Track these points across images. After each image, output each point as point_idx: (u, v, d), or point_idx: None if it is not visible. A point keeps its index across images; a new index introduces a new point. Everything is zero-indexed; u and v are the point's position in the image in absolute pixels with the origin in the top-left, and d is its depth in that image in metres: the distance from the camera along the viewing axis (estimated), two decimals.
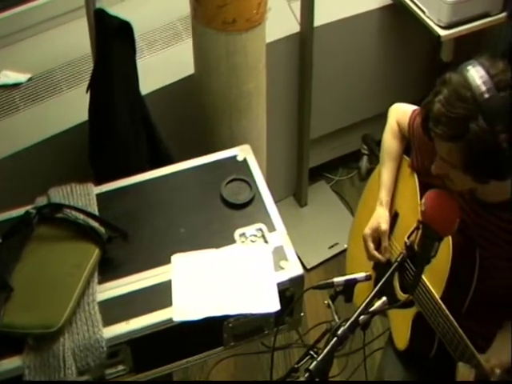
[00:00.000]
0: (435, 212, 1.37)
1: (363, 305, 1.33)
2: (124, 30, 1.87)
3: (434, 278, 1.51)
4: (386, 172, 1.70)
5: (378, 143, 2.76)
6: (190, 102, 2.09)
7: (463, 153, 1.30)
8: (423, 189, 1.57)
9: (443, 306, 1.47)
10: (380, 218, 1.66)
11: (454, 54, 2.44)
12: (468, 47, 2.54)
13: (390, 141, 1.71)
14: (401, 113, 1.69)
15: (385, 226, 1.64)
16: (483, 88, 1.27)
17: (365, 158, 2.82)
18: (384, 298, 1.39)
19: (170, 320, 1.46)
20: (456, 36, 2.32)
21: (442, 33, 2.30)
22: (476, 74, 1.29)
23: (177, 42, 2.28)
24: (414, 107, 1.66)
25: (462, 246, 1.49)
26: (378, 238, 1.67)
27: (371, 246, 1.65)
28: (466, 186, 1.42)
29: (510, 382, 1.41)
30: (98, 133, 1.94)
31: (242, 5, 1.89)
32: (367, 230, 1.65)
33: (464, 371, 1.44)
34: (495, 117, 1.26)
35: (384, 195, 1.68)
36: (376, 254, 1.65)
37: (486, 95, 1.27)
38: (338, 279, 1.41)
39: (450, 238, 1.47)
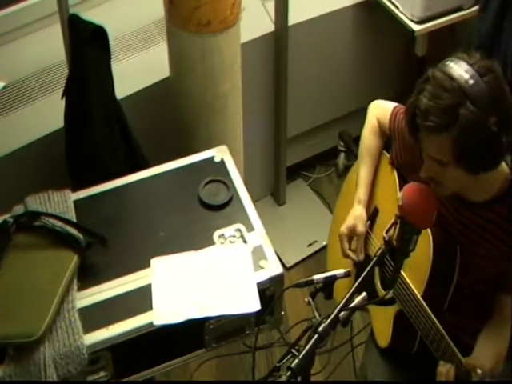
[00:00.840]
0: (412, 206, 1.38)
1: (343, 301, 1.34)
2: (98, 35, 1.87)
3: (415, 276, 1.52)
4: (364, 169, 1.71)
5: (355, 140, 2.79)
6: (166, 104, 2.09)
7: (455, 143, 1.31)
8: (403, 185, 1.57)
9: (425, 304, 1.48)
10: (357, 218, 1.66)
11: (428, 48, 2.47)
12: (442, 41, 2.56)
13: (369, 138, 1.72)
14: (381, 110, 1.70)
15: (361, 227, 1.65)
16: (466, 75, 1.30)
17: (342, 155, 2.83)
18: (364, 294, 1.40)
19: (151, 324, 1.46)
20: (429, 30, 2.34)
21: (416, 28, 2.32)
22: (457, 66, 1.32)
23: (152, 45, 2.27)
24: (394, 104, 1.67)
25: (443, 243, 1.50)
26: (353, 237, 1.67)
27: (346, 245, 1.66)
28: (456, 184, 1.42)
29: (490, 382, 1.42)
30: (74, 139, 1.93)
31: (216, 6, 1.89)
32: (344, 230, 1.65)
33: (443, 370, 1.44)
34: (482, 101, 1.29)
35: (362, 193, 1.69)
36: (350, 253, 1.66)
37: (471, 81, 1.30)
38: (317, 276, 1.42)
39: (430, 235, 1.48)
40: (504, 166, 1.43)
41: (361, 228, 1.65)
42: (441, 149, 1.34)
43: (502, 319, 1.53)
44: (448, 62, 1.34)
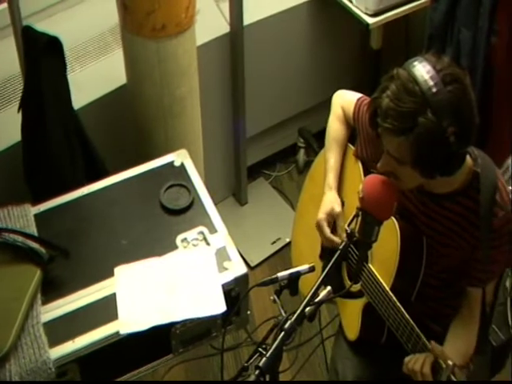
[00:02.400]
0: (373, 198, 1.39)
1: (308, 296, 1.34)
2: (53, 46, 1.85)
3: (383, 269, 1.54)
4: (332, 157, 1.70)
5: (315, 135, 2.82)
6: (125, 112, 2.08)
7: (412, 147, 1.31)
8: None
9: (394, 297, 1.49)
10: (332, 201, 1.65)
11: (383, 40, 2.49)
12: (396, 33, 2.59)
13: (335, 126, 1.71)
14: (345, 100, 1.69)
15: (338, 208, 1.65)
16: (430, 82, 1.29)
17: (302, 151, 2.84)
18: (329, 288, 1.40)
19: (117, 333, 1.45)
20: (384, 23, 2.36)
21: (370, 21, 2.34)
22: (423, 69, 1.31)
23: (107, 53, 2.26)
24: (358, 95, 1.67)
25: (410, 235, 1.51)
26: (332, 221, 1.66)
27: (327, 230, 1.64)
28: (413, 182, 1.43)
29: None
30: (31, 152, 1.91)
31: (170, 10, 1.88)
32: (321, 215, 1.64)
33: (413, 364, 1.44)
34: (443, 110, 1.28)
35: (332, 180, 1.68)
36: (333, 237, 1.63)
37: (434, 89, 1.29)
38: (281, 274, 1.42)
39: (398, 228, 1.49)
40: (467, 157, 1.44)
41: (338, 209, 1.64)
42: (399, 149, 1.35)
43: (471, 315, 1.54)
44: (415, 63, 1.32)
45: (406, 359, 1.45)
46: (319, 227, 1.65)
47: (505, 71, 2.33)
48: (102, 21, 2.32)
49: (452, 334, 1.53)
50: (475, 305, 1.54)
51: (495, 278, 1.56)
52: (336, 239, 1.64)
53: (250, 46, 2.36)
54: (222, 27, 2.34)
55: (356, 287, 1.59)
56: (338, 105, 1.71)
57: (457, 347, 1.48)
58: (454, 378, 1.38)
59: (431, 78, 1.29)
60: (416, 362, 1.42)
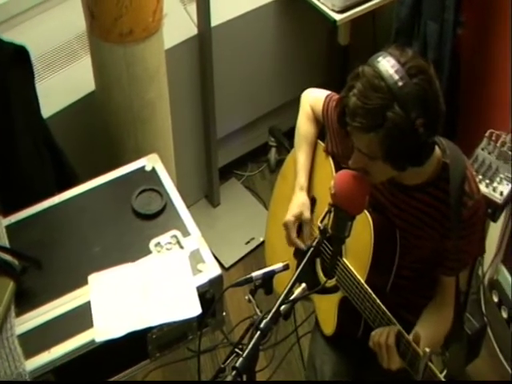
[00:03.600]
0: (344, 193, 1.40)
1: (283, 294, 1.34)
2: (20, 55, 1.84)
3: (357, 262, 1.54)
4: (302, 156, 1.70)
5: (285, 134, 2.82)
6: (94, 119, 2.07)
7: (382, 142, 1.32)
8: None
9: (369, 289, 1.50)
10: (302, 205, 1.66)
11: (350, 36, 2.50)
12: (364, 29, 2.61)
13: (305, 125, 1.71)
14: (314, 98, 1.70)
15: (307, 213, 1.65)
16: (396, 76, 1.29)
17: (273, 150, 2.85)
18: (303, 285, 1.41)
19: (93, 341, 1.45)
20: (351, 19, 2.37)
21: (338, 17, 2.34)
22: (387, 64, 1.31)
23: (75, 60, 2.24)
24: (327, 92, 1.67)
25: (383, 227, 1.52)
26: (299, 224, 1.67)
27: (294, 234, 1.65)
28: (384, 176, 1.44)
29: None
30: (1, 163, 1.89)
31: (137, 15, 1.88)
32: (290, 217, 1.64)
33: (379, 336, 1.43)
34: (410, 103, 1.29)
35: (303, 179, 1.68)
36: (298, 241, 1.65)
37: (400, 83, 1.29)
38: (256, 273, 1.42)
39: (371, 222, 1.50)
40: (436, 149, 1.45)
41: (307, 214, 1.65)
42: (369, 146, 1.36)
43: (443, 303, 1.56)
44: (380, 58, 1.33)
45: (372, 333, 1.46)
46: (286, 229, 1.66)
47: (471, 62, 2.37)
48: (69, 28, 2.30)
49: (424, 320, 1.54)
50: (448, 293, 1.56)
51: (467, 267, 1.58)
52: (300, 245, 1.65)
53: (218, 47, 2.36)
54: (190, 30, 2.33)
55: (331, 282, 1.59)
56: (306, 103, 1.72)
57: (428, 333, 1.49)
58: (431, 365, 1.39)
59: (396, 71, 1.30)
60: (381, 335, 1.43)
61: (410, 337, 1.44)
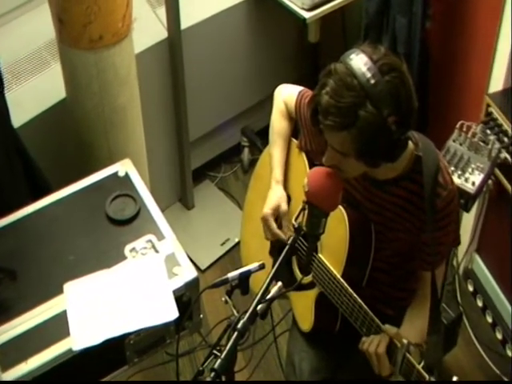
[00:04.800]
0: (318, 190, 1.40)
1: (259, 294, 1.34)
2: None
3: (333, 258, 1.55)
4: (277, 151, 1.70)
5: (258, 133, 2.83)
6: (66, 126, 2.06)
7: (355, 140, 1.32)
8: None
9: (345, 284, 1.51)
10: (279, 197, 1.65)
11: (320, 33, 2.51)
12: (333, 26, 2.62)
13: (279, 121, 1.71)
14: (287, 94, 1.69)
15: (285, 206, 1.65)
16: (368, 74, 1.29)
17: (246, 150, 2.84)
18: (279, 283, 1.41)
19: (70, 350, 1.44)
20: (320, 16, 2.38)
21: (307, 15, 2.35)
22: (360, 61, 1.31)
23: (44, 68, 2.23)
24: (300, 88, 1.67)
25: (357, 222, 1.53)
26: (277, 216, 1.65)
27: (274, 225, 1.64)
28: (358, 172, 1.45)
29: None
30: None
31: (107, 20, 1.87)
32: (268, 210, 1.64)
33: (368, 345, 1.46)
34: (382, 101, 1.29)
35: (278, 174, 1.68)
36: (279, 232, 1.64)
37: (372, 81, 1.29)
38: (232, 274, 1.42)
39: (346, 217, 1.51)
40: (409, 142, 1.45)
41: (284, 207, 1.64)
42: (342, 144, 1.36)
43: (424, 296, 1.55)
44: (352, 56, 1.33)
45: (363, 339, 1.47)
46: (265, 222, 1.64)
47: (440, 54, 2.39)
48: (37, 37, 2.29)
49: (409, 315, 1.55)
50: (428, 286, 1.55)
51: (444, 259, 1.59)
52: (282, 235, 1.64)
53: (188, 49, 2.36)
54: (160, 33, 2.33)
55: (307, 279, 1.60)
56: (280, 99, 1.71)
57: (414, 326, 1.51)
58: (409, 357, 1.41)
59: (369, 69, 1.30)
60: (371, 344, 1.44)
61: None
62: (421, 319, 1.52)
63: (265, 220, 1.64)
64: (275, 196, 1.66)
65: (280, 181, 1.67)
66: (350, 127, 1.31)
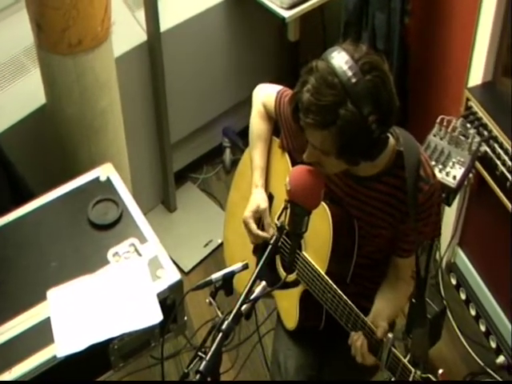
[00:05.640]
0: (299, 189, 1.40)
1: (243, 294, 1.34)
2: None
3: (317, 255, 1.55)
4: (257, 154, 1.70)
5: (239, 133, 2.83)
6: (47, 132, 2.05)
7: (336, 139, 1.33)
8: None
9: (330, 281, 1.51)
10: (258, 199, 1.66)
11: (300, 32, 2.51)
12: (313, 24, 2.62)
13: (258, 123, 1.71)
14: (266, 95, 1.69)
15: (264, 204, 1.65)
16: (349, 73, 1.29)
17: (227, 151, 2.84)
18: (263, 283, 1.41)
19: (54, 357, 1.44)
20: (300, 15, 2.38)
21: (286, 14, 2.36)
22: (341, 60, 1.31)
23: (24, 74, 2.21)
24: (278, 88, 1.66)
25: (341, 219, 1.53)
26: (258, 218, 1.66)
27: (254, 226, 1.64)
28: (338, 169, 1.46)
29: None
30: None
31: (85, 24, 1.86)
32: (247, 213, 1.64)
33: (355, 337, 1.47)
34: (363, 100, 1.29)
35: (258, 177, 1.68)
36: (260, 232, 1.64)
37: (353, 80, 1.29)
38: (215, 275, 1.42)
39: (329, 214, 1.51)
40: (390, 138, 1.46)
41: (263, 205, 1.65)
42: (322, 142, 1.36)
43: (398, 282, 1.58)
44: (334, 54, 1.33)
45: (352, 333, 1.48)
46: (246, 225, 1.65)
47: (418, 49, 2.40)
48: (15, 43, 2.27)
49: (380, 296, 1.57)
50: (401, 272, 1.58)
51: (420, 247, 1.60)
52: (263, 234, 1.64)
53: (168, 51, 2.35)
54: (139, 36, 2.32)
55: (291, 277, 1.60)
56: (258, 100, 1.71)
57: (384, 308, 1.52)
58: (395, 351, 1.42)
59: (350, 68, 1.30)
60: (358, 339, 1.45)
61: (370, 318, 1.46)
62: (392, 304, 1.55)
63: (245, 223, 1.65)
64: (254, 199, 1.67)
65: (260, 185, 1.68)
66: (330, 126, 1.31)
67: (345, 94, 1.29)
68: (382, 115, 1.32)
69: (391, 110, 1.34)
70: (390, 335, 1.42)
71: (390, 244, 1.57)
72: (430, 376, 1.39)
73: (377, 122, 1.31)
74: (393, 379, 1.45)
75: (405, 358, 1.43)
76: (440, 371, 1.40)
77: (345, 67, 1.30)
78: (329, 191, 1.52)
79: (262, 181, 1.69)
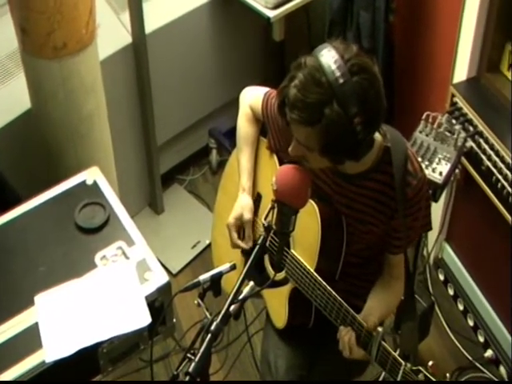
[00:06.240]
0: (286, 188, 1.40)
1: (232, 294, 1.34)
2: None
3: (306, 253, 1.56)
4: (244, 157, 1.70)
5: (225, 134, 2.83)
6: (32, 136, 2.04)
7: (320, 137, 1.33)
8: None
9: (319, 278, 1.52)
10: (243, 206, 1.67)
11: (285, 32, 2.51)
12: (298, 23, 2.63)
13: (244, 126, 1.71)
14: (253, 97, 1.69)
15: (248, 215, 1.66)
16: (338, 73, 1.29)
17: (214, 152, 2.84)
18: (251, 283, 1.42)
19: (43, 363, 1.43)
20: (285, 14, 2.39)
21: (271, 14, 2.36)
22: (330, 59, 1.31)
23: (8, 79, 2.20)
24: (266, 89, 1.67)
25: (329, 216, 1.54)
26: (241, 226, 1.68)
27: (235, 235, 1.66)
28: (323, 166, 1.46)
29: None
30: None
31: (70, 27, 1.86)
32: (231, 219, 1.65)
33: (343, 331, 1.48)
34: (349, 101, 1.29)
35: (245, 181, 1.69)
36: (239, 242, 1.66)
37: (341, 80, 1.29)
38: (203, 276, 1.42)
39: (317, 212, 1.51)
40: (377, 135, 1.46)
41: (247, 216, 1.65)
42: (307, 138, 1.37)
43: (392, 276, 1.59)
44: (324, 51, 1.33)
45: (340, 328, 1.49)
46: (228, 231, 1.67)
47: (403, 47, 2.41)
48: (0, 47, 2.26)
49: (373, 295, 1.58)
50: (396, 270, 1.59)
51: (412, 243, 1.61)
52: (242, 245, 1.66)
53: (154, 53, 2.35)
54: (124, 38, 2.32)
55: (280, 275, 1.60)
56: (245, 103, 1.72)
57: (378, 306, 1.53)
58: (385, 345, 1.43)
59: (338, 68, 1.29)
60: (346, 333, 1.46)
61: (361, 316, 1.47)
62: (385, 301, 1.56)
63: (227, 229, 1.67)
64: (239, 205, 1.67)
65: (246, 189, 1.69)
66: (315, 124, 1.31)
67: (331, 93, 1.29)
68: (368, 117, 1.32)
69: (378, 112, 1.35)
70: (380, 329, 1.43)
71: (379, 241, 1.57)
72: (421, 368, 1.40)
73: (362, 123, 1.31)
74: (383, 373, 1.46)
75: (395, 352, 1.44)
76: (430, 363, 1.41)
77: (333, 66, 1.30)
78: (317, 189, 1.53)
79: (249, 184, 1.69)
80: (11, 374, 1.42)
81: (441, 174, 1.92)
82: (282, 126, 1.53)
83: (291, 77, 1.34)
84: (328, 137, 1.32)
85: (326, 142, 1.33)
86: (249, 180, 1.69)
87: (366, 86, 1.31)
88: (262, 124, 1.71)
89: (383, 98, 1.35)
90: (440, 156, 1.97)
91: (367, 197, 1.51)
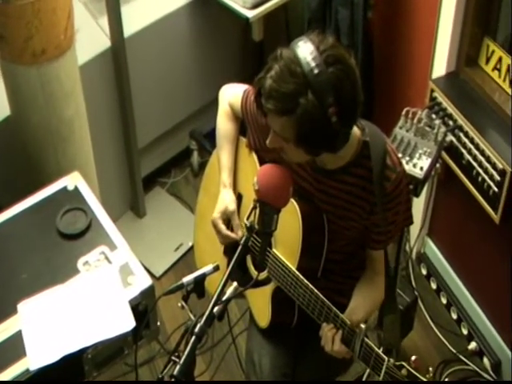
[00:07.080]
0: (268, 188, 1.41)
1: (215, 296, 1.34)
2: None
3: (287, 251, 1.56)
4: (224, 155, 1.70)
5: (206, 135, 2.83)
6: (12, 144, 2.03)
7: (295, 127, 1.34)
8: None
9: (301, 276, 1.52)
10: (226, 200, 1.66)
11: (264, 31, 2.52)
12: (277, 22, 2.63)
13: (224, 124, 1.71)
14: (232, 94, 1.70)
15: (232, 206, 1.66)
16: (312, 64, 1.30)
17: (195, 154, 2.84)
18: (235, 284, 1.42)
19: (27, 371, 1.43)
20: (263, 14, 2.39)
21: (250, 14, 2.36)
22: (306, 50, 1.32)
23: None
24: (245, 87, 1.67)
25: (310, 214, 1.54)
26: (227, 219, 1.67)
27: (223, 227, 1.65)
28: (300, 159, 1.46)
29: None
30: None
31: (49, 33, 1.85)
32: (216, 214, 1.65)
33: (326, 328, 1.49)
34: (324, 91, 1.30)
35: (226, 177, 1.69)
36: (229, 233, 1.65)
37: (316, 71, 1.30)
38: (186, 279, 1.42)
39: (298, 210, 1.52)
40: (355, 129, 1.46)
41: (231, 207, 1.65)
42: (282, 128, 1.37)
43: (374, 272, 1.60)
44: (300, 43, 1.34)
45: (324, 324, 1.49)
46: (215, 226, 1.66)
47: (382, 43, 2.42)
48: None
49: (358, 293, 1.58)
50: (379, 265, 1.60)
51: (394, 238, 1.61)
52: (232, 235, 1.65)
53: (133, 57, 2.34)
54: (103, 43, 2.31)
55: (263, 275, 1.61)
56: (224, 101, 1.72)
57: (362, 304, 1.54)
58: (368, 341, 1.44)
59: (313, 59, 1.31)
60: (329, 330, 1.47)
61: (345, 314, 1.48)
62: (370, 297, 1.57)
63: (214, 224, 1.66)
64: (222, 200, 1.67)
65: (228, 184, 1.69)
66: (289, 113, 1.32)
67: (306, 83, 1.30)
68: (343, 108, 1.32)
69: (354, 103, 1.35)
70: (363, 326, 1.44)
71: (360, 237, 1.58)
72: (404, 363, 1.41)
73: (337, 114, 1.32)
74: (368, 370, 1.46)
75: (378, 348, 1.45)
76: (413, 358, 1.42)
77: (309, 58, 1.31)
78: (298, 188, 1.53)
79: (230, 180, 1.69)
80: None
81: (421, 169, 1.93)
82: (262, 123, 1.53)
83: (268, 68, 1.35)
84: (303, 127, 1.33)
85: (301, 132, 1.34)
86: (229, 176, 1.69)
87: (342, 77, 1.32)
88: (242, 122, 1.71)
89: (359, 90, 1.36)
90: (420, 151, 1.98)
91: (347, 192, 1.52)
